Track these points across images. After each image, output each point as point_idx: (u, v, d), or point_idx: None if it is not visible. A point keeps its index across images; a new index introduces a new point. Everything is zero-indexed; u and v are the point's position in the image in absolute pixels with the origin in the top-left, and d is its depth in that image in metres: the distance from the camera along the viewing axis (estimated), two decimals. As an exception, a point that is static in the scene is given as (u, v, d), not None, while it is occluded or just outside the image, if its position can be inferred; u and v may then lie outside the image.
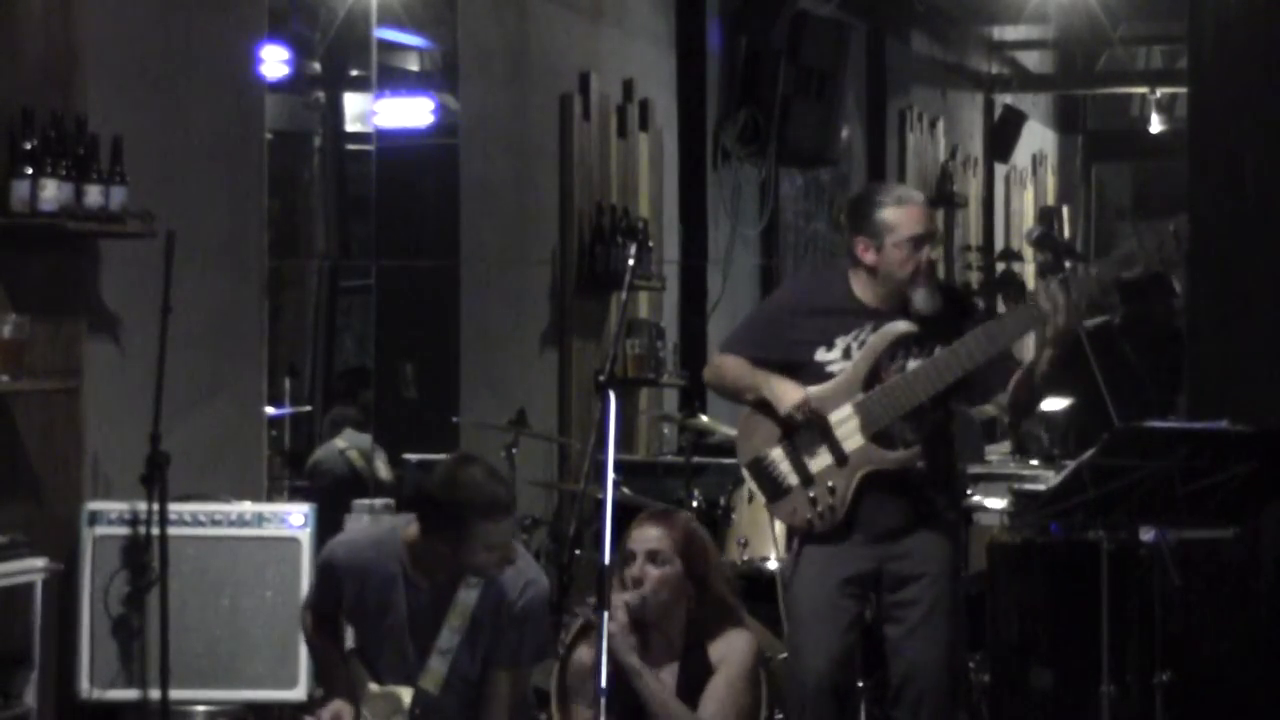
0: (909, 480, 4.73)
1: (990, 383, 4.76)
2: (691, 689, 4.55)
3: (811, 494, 4.72)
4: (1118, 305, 8.13)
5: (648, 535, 4.58)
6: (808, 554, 4.81)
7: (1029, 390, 4.73)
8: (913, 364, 4.72)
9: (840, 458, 4.71)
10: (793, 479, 4.77)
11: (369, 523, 6.05)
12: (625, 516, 4.90)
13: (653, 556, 4.55)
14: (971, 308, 5.09)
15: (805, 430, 4.74)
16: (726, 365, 4.93)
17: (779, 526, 5.94)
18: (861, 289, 4.80)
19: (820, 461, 4.74)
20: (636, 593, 4.51)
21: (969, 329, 4.69)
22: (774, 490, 4.80)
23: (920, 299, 4.73)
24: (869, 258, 4.75)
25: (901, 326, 4.73)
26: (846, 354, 4.76)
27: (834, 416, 4.72)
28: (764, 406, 4.82)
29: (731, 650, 4.58)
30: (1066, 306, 4.49)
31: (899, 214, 4.72)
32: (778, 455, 4.79)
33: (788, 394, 4.73)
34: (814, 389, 4.74)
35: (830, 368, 4.77)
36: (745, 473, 4.88)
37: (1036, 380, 4.69)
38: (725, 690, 4.54)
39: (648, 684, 4.48)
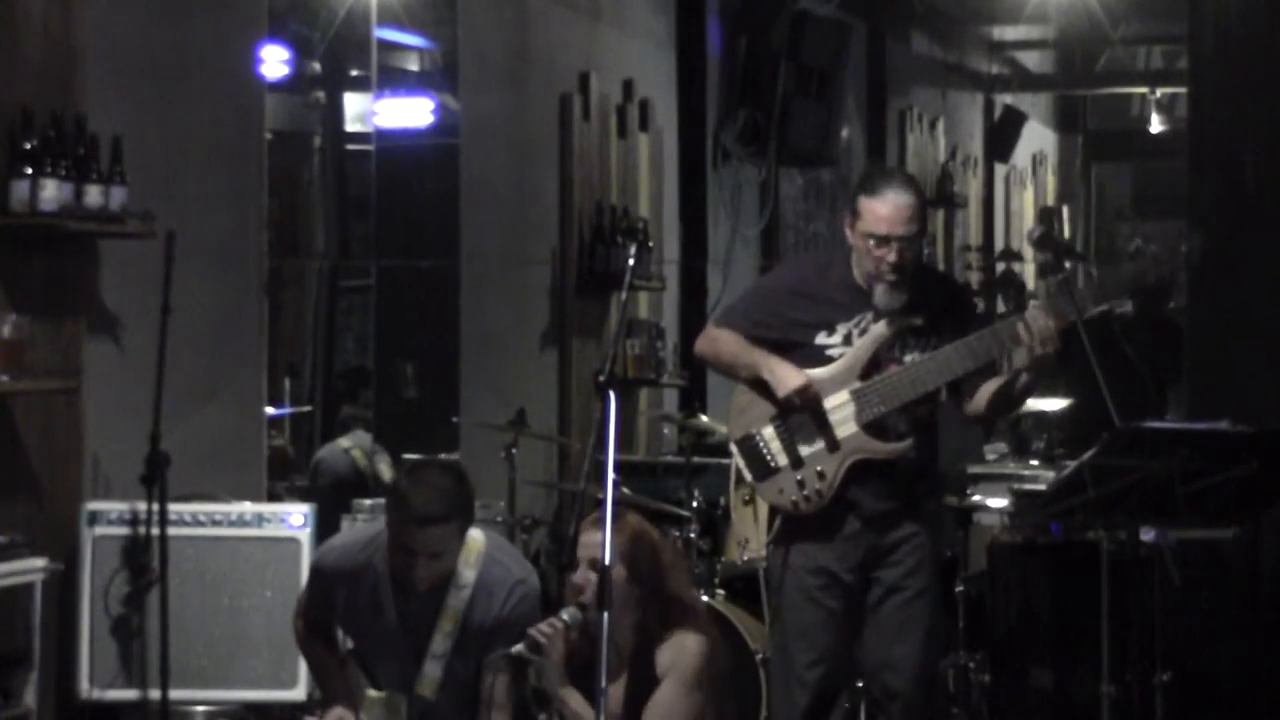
0: (896, 470, 4.72)
1: (976, 385, 4.75)
2: (639, 697, 4.41)
3: (799, 476, 4.69)
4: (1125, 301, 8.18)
5: (592, 541, 4.34)
6: (795, 553, 4.77)
7: (996, 404, 4.72)
8: (910, 357, 4.69)
9: (832, 443, 4.68)
10: (782, 459, 4.73)
11: (364, 522, 6.03)
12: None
13: (594, 564, 4.31)
14: (969, 302, 5.09)
15: (799, 413, 4.72)
16: (722, 340, 4.85)
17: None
18: (861, 274, 4.75)
19: (811, 446, 4.70)
20: (574, 608, 4.36)
21: (971, 323, 4.69)
22: (761, 469, 4.76)
23: (879, 295, 4.68)
24: (849, 236, 4.74)
25: (906, 320, 4.70)
26: (848, 340, 4.72)
27: (829, 402, 4.69)
28: (758, 385, 4.78)
29: (679, 654, 4.42)
30: (1044, 336, 4.47)
31: (869, 205, 4.65)
32: (769, 434, 4.75)
33: (788, 378, 4.68)
34: (813, 372, 4.70)
35: (830, 352, 4.72)
36: (734, 448, 4.81)
37: (1014, 394, 4.67)
38: (669, 696, 4.38)
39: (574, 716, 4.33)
